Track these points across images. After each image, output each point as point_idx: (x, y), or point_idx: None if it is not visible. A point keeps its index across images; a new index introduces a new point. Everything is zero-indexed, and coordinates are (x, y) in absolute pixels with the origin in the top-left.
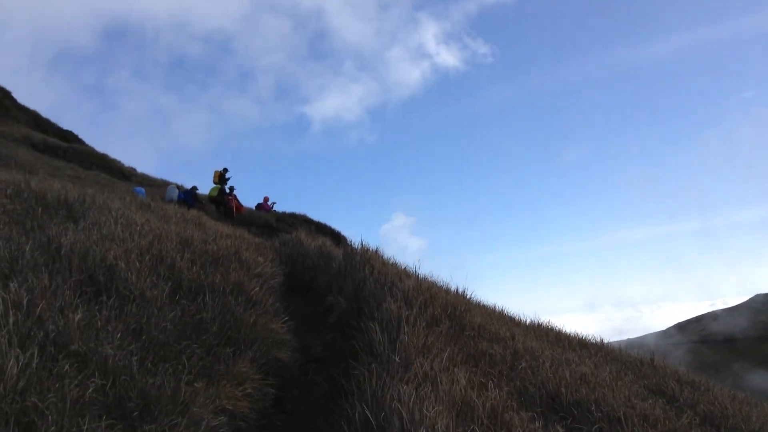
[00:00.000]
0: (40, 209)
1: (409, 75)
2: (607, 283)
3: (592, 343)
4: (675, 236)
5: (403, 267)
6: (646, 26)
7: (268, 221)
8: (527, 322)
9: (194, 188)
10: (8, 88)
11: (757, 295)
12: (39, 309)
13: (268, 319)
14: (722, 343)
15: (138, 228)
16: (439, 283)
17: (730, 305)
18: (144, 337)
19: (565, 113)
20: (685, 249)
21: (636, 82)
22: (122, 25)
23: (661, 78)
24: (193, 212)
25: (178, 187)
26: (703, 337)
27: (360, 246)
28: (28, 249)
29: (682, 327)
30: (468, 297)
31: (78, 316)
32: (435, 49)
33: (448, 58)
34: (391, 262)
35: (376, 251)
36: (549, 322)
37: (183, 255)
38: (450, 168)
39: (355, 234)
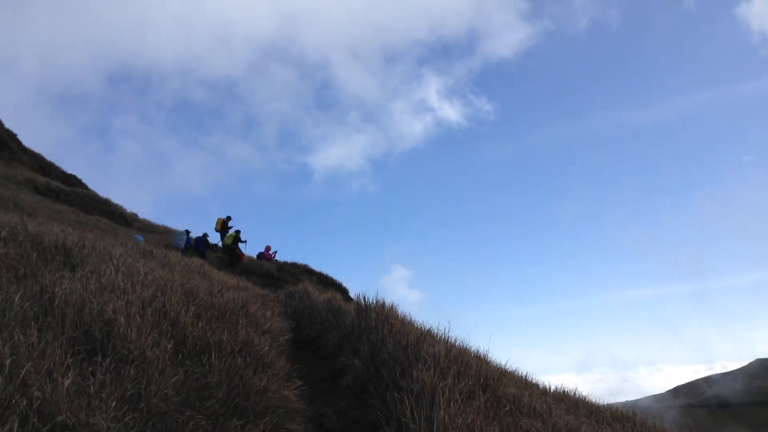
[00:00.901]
0: (35, 254)
1: (412, 127)
2: (600, 344)
3: (626, 416)
4: (669, 297)
5: (422, 327)
6: (647, 88)
7: (269, 271)
8: (552, 390)
9: (205, 235)
10: (14, 130)
11: (755, 360)
12: (24, 371)
13: (280, 384)
14: (717, 408)
15: (140, 278)
16: (466, 347)
17: (728, 369)
18: (143, 405)
19: (564, 171)
20: (680, 311)
21: (635, 141)
22: (129, 70)
23: (660, 139)
24: (197, 260)
25: (187, 233)
26: (699, 401)
27: (374, 302)
28: (17, 299)
29: (677, 390)
30: (489, 361)
31: (68, 381)
32: (438, 103)
33: (451, 112)
34: (408, 320)
35: (392, 308)
36: (576, 391)
37: (188, 308)
38: (449, 221)
39: (355, 285)
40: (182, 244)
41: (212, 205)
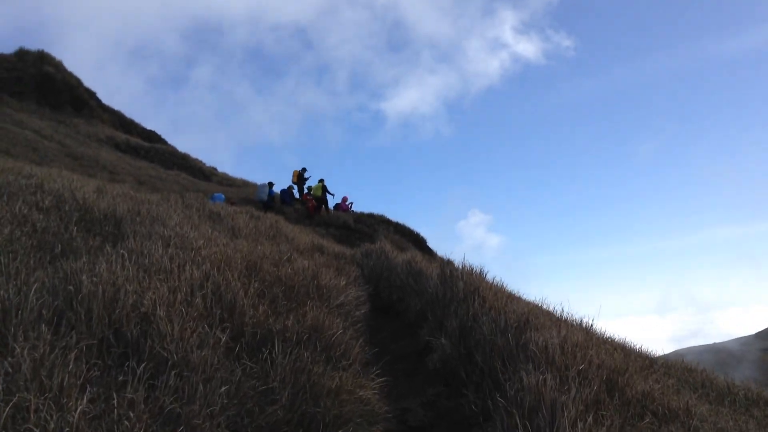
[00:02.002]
0: (75, 228)
1: (487, 66)
2: (681, 286)
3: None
4: (753, 236)
5: (520, 297)
6: (735, 13)
7: (346, 222)
8: (658, 361)
9: (290, 187)
10: (93, 88)
11: None
12: (23, 399)
13: (356, 380)
14: None
15: (192, 254)
16: (576, 322)
17: None
18: (181, 429)
19: (645, 108)
20: (764, 249)
21: (720, 72)
22: (200, 23)
23: (749, 68)
24: (270, 218)
25: (270, 185)
26: None
27: (461, 266)
28: (32, 293)
29: (763, 333)
30: (600, 336)
31: (81, 407)
32: (513, 39)
33: (529, 47)
34: (501, 289)
35: (481, 274)
36: (699, 367)
37: (248, 288)
38: (527, 163)
39: (432, 232)
40: (265, 196)
41: (287, 154)
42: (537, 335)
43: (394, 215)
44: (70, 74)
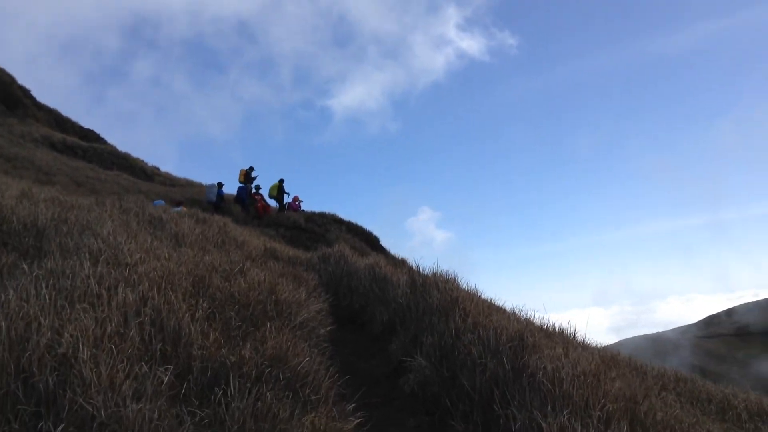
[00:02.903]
0: None
1: (433, 62)
2: (618, 278)
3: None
4: (687, 229)
5: (507, 308)
6: (671, 13)
7: (296, 222)
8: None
9: (249, 186)
10: (28, 86)
11: None
12: None
13: (330, 424)
14: (736, 337)
15: (127, 271)
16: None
17: (759, 297)
18: None
19: (584, 106)
20: (697, 242)
21: (657, 71)
22: (138, 16)
23: (683, 66)
24: (217, 221)
25: (219, 185)
26: (722, 331)
27: (433, 273)
28: None
29: (702, 322)
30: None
31: None
32: (457, 36)
33: (473, 44)
34: (484, 299)
35: (456, 281)
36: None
37: (196, 310)
38: (473, 159)
39: (383, 229)
40: (214, 197)
41: (231, 151)
42: (539, 359)
43: (344, 213)
44: (3, 71)
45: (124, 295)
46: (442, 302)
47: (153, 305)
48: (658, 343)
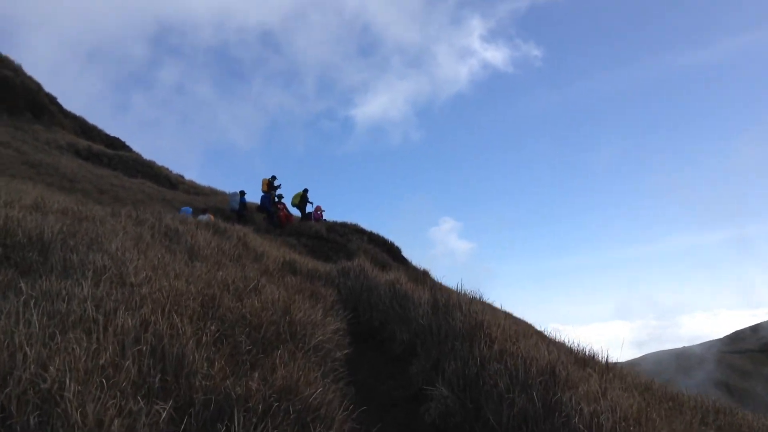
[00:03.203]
0: None
1: (457, 72)
2: (641, 292)
3: None
4: (710, 245)
5: (539, 332)
6: (697, 28)
7: (318, 232)
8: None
9: (272, 194)
10: (54, 93)
11: None
12: None
13: None
14: (760, 353)
15: (129, 292)
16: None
17: None
18: None
19: (606, 118)
20: (721, 257)
21: (680, 85)
22: (164, 25)
23: (706, 81)
24: (238, 230)
25: (242, 194)
26: (747, 347)
27: (457, 294)
28: None
29: (727, 337)
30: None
31: None
32: (481, 47)
33: (497, 55)
34: (505, 317)
35: (481, 301)
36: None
37: (203, 335)
38: (496, 170)
39: (405, 239)
40: (236, 205)
41: (254, 159)
42: (573, 397)
43: (366, 222)
44: (30, 78)
45: (123, 319)
46: (465, 326)
47: (155, 330)
48: (681, 358)
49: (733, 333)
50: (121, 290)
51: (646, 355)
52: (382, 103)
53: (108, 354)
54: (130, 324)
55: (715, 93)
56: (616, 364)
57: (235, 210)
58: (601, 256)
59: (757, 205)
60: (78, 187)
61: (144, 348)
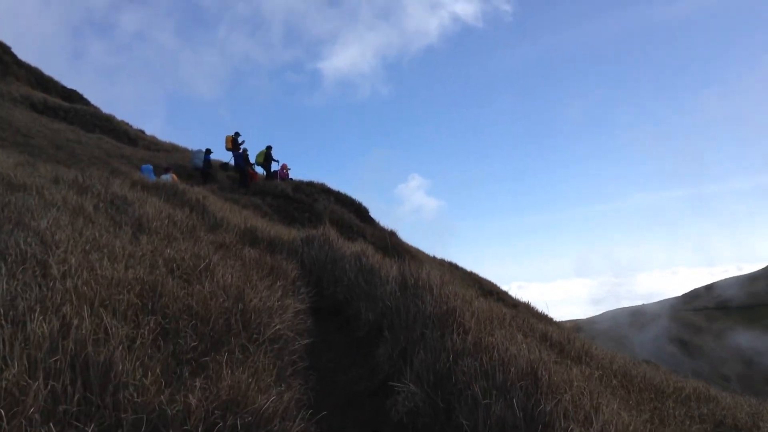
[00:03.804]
0: None
1: (427, 24)
2: (601, 249)
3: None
4: (669, 202)
5: (510, 316)
6: None
7: (284, 191)
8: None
9: (245, 151)
10: (8, 41)
11: None
12: None
13: None
14: (716, 310)
15: (51, 287)
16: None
17: (743, 272)
18: None
19: (574, 74)
20: (679, 215)
21: (647, 40)
22: None
23: (677, 36)
24: (198, 192)
25: (208, 152)
26: (702, 304)
27: (427, 271)
28: None
29: (684, 295)
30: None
31: None
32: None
33: (467, 8)
34: (483, 307)
35: (451, 288)
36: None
37: (138, 333)
38: (465, 127)
39: (371, 195)
40: (200, 163)
41: (218, 111)
42: (560, 411)
43: (333, 179)
44: None
45: (38, 324)
46: (436, 310)
47: (76, 336)
48: (637, 314)
49: (689, 292)
50: (43, 283)
51: (604, 313)
52: (350, 55)
53: (13, 374)
54: (46, 330)
55: (680, 49)
56: (578, 321)
57: (199, 168)
58: (563, 213)
59: (716, 164)
60: (32, 142)
61: (61, 360)
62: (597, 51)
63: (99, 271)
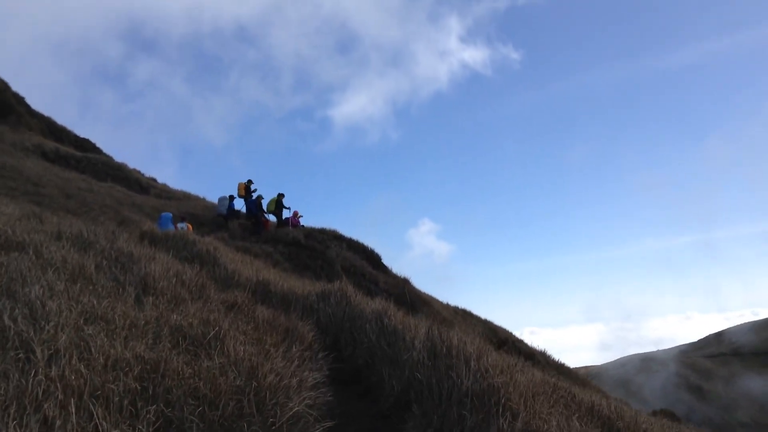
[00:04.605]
0: None
1: (436, 71)
2: (610, 295)
3: None
4: (678, 248)
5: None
6: (673, 30)
7: (296, 238)
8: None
9: (260, 198)
10: (22, 93)
11: None
12: None
13: None
14: (730, 356)
15: (31, 380)
16: None
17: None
18: None
19: (580, 119)
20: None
21: (652, 87)
22: (137, 21)
23: (681, 82)
24: (208, 243)
25: (231, 198)
26: (714, 352)
27: (459, 338)
28: None
29: (694, 342)
30: None
31: None
32: (460, 46)
33: (476, 54)
34: (522, 368)
35: (491, 359)
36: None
37: (137, 425)
38: (475, 171)
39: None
40: (224, 210)
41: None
42: None
43: (343, 224)
44: None
45: (11, 429)
46: (475, 387)
47: None
48: (647, 361)
49: (698, 341)
50: (26, 368)
51: (617, 360)
52: (360, 101)
53: None
54: None
55: (684, 95)
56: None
57: (223, 214)
58: (573, 257)
59: (723, 209)
60: (43, 191)
61: None
62: (602, 97)
63: (93, 351)
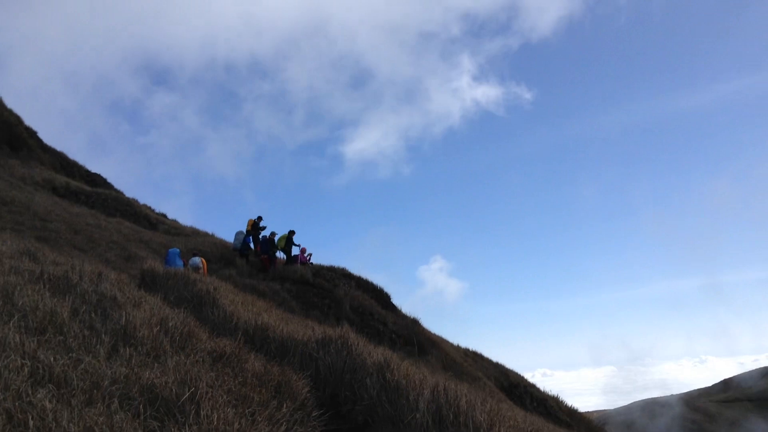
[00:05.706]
0: None
1: (449, 108)
2: (618, 338)
3: None
4: (684, 289)
5: None
6: (686, 72)
7: (304, 276)
8: None
9: (272, 234)
10: (35, 125)
11: None
12: None
13: None
14: (742, 400)
15: None
16: None
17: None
18: None
19: (590, 160)
20: (695, 303)
21: (661, 129)
22: (151, 55)
23: (691, 126)
24: (210, 282)
25: (248, 233)
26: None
27: (467, 408)
28: None
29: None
30: None
31: None
32: (472, 84)
33: (489, 91)
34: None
35: (504, 429)
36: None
37: None
38: (488, 210)
39: (392, 277)
40: (239, 245)
41: (242, 191)
42: None
43: (353, 260)
44: (10, 111)
45: None
46: None
47: None
48: (650, 405)
49: (704, 388)
50: None
51: (630, 404)
52: (373, 136)
53: None
54: None
55: (692, 137)
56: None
57: (239, 249)
58: (584, 298)
59: (730, 252)
60: (50, 226)
61: None
62: (612, 137)
63: (30, 425)
